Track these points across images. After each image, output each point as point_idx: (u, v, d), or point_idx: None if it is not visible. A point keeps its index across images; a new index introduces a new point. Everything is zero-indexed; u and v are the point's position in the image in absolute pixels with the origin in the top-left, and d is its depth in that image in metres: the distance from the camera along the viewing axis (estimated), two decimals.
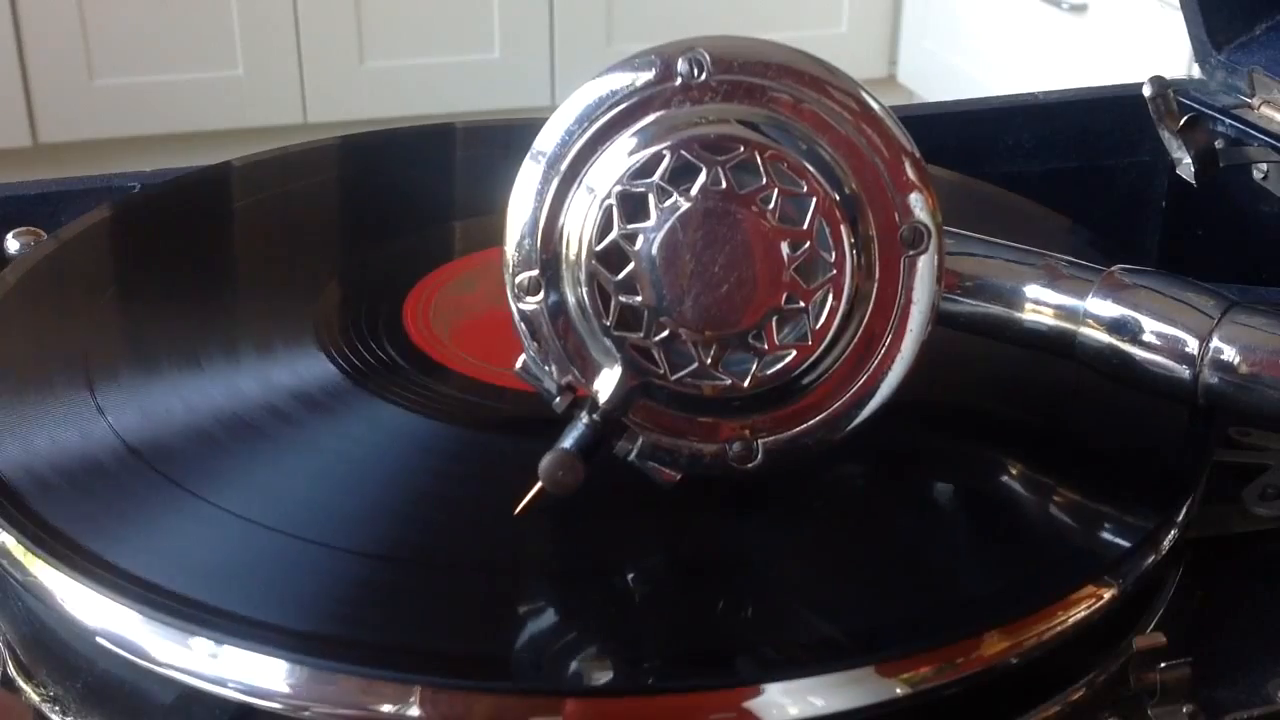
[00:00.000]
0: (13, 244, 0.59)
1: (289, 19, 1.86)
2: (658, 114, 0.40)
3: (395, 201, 0.64)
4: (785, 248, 0.40)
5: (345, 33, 1.88)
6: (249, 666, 0.37)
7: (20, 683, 0.42)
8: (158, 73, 1.84)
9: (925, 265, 0.41)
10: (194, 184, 0.65)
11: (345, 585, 0.40)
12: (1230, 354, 0.43)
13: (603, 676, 0.38)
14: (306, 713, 0.37)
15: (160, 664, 0.38)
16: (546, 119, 0.41)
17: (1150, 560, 0.43)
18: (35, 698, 0.42)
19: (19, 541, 0.41)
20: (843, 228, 0.40)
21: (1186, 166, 0.61)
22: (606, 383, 0.41)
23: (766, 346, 0.40)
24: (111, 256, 0.60)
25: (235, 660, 0.38)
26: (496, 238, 0.42)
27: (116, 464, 0.44)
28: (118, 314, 0.54)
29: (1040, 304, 0.45)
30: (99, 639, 0.40)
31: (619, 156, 0.40)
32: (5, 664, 0.43)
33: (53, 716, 0.41)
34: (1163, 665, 0.40)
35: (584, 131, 0.41)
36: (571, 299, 0.41)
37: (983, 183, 0.66)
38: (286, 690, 0.37)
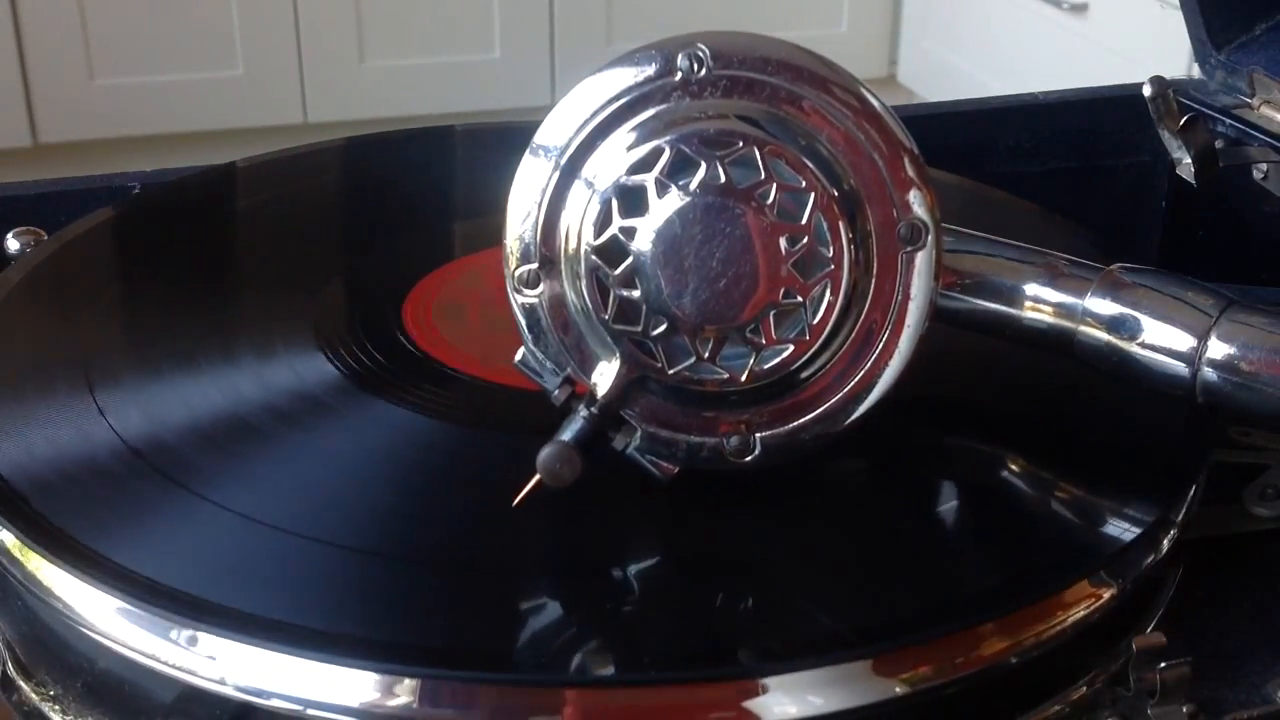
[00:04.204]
0: (13, 244, 0.59)
1: (289, 19, 1.86)
2: (657, 109, 0.40)
3: (396, 201, 0.64)
4: (783, 243, 0.40)
5: (345, 33, 1.88)
6: (250, 664, 0.37)
7: (20, 682, 0.42)
8: (158, 73, 1.83)
9: (923, 261, 0.41)
10: (195, 184, 0.65)
11: (346, 582, 0.40)
12: (1229, 353, 0.43)
13: (603, 668, 0.38)
14: (307, 710, 0.37)
15: (161, 662, 0.38)
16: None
17: (1150, 559, 0.43)
18: (35, 697, 0.41)
19: (19, 540, 0.41)
20: (841, 223, 0.40)
21: (1186, 166, 0.60)
22: (605, 376, 0.41)
23: (764, 341, 0.40)
24: (113, 257, 0.60)
25: (236, 658, 0.38)
26: (496, 238, 0.42)
27: (117, 463, 0.44)
28: (119, 314, 0.54)
29: (1040, 302, 0.45)
30: (99, 637, 0.39)
31: (618, 151, 0.40)
32: (5, 663, 0.43)
33: (53, 716, 0.41)
34: (1163, 665, 0.40)
35: (584, 126, 0.41)
36: (570, 293, 0.41)
37: (981, 185, 0.66)
38: (287, 688, 0.37)
